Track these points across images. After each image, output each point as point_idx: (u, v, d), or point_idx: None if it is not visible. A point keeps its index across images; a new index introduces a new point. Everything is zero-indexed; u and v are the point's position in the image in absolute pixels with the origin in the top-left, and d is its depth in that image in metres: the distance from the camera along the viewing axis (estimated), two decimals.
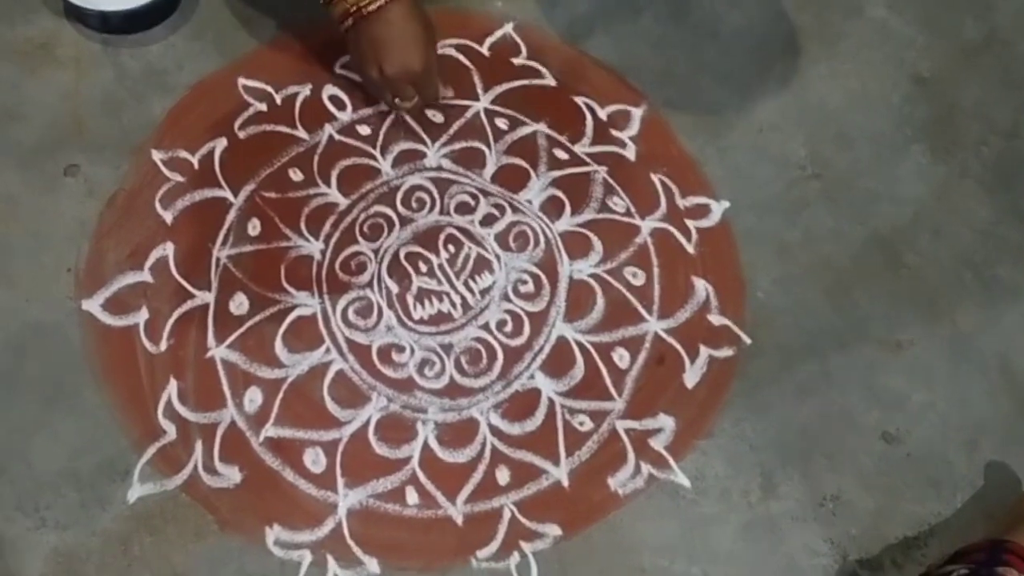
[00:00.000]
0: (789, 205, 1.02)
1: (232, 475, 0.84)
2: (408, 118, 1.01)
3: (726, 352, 0.94)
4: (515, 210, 0.99)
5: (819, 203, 1.03)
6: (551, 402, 0.90)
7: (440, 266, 0.95)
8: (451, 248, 0.96)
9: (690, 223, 1.00)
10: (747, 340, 0.94)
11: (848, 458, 0.90)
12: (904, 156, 1.06)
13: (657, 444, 0.89)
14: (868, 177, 1.04)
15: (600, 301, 0.95)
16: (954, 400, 0.93)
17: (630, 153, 1.04)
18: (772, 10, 1.15)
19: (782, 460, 0.89)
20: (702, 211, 1.01)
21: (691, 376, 0.92)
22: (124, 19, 1.01)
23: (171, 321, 0.89)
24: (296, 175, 0.97)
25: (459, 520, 0.84)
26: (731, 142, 1.06)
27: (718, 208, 1.01)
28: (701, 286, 0.97)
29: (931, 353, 0.95)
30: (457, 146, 1.02)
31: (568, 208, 1.00)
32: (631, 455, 0.88)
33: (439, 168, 1.00)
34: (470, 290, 0.94)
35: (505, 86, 1.06)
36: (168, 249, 0.92)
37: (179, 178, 0.96)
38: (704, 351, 0.93)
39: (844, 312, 0.97)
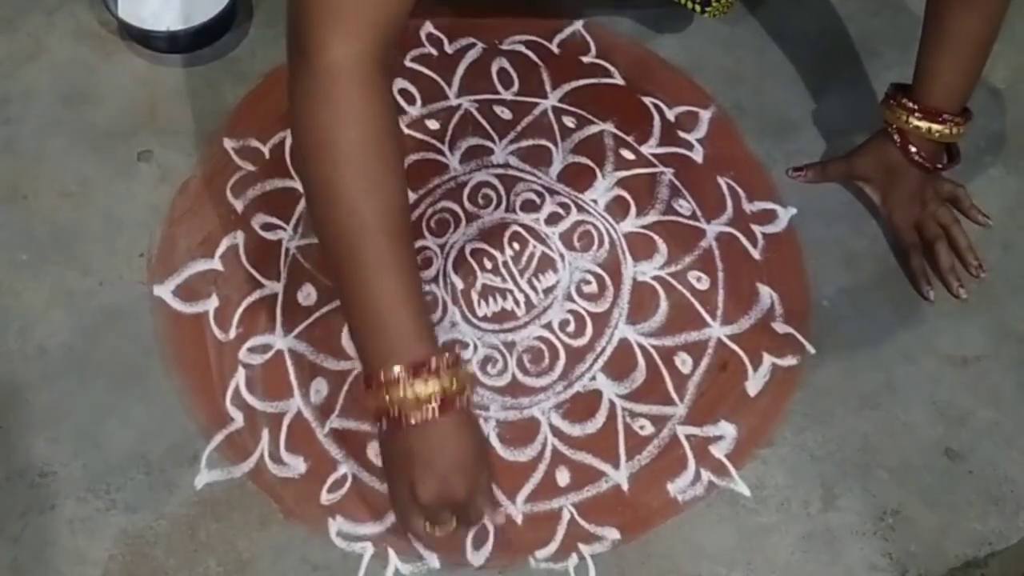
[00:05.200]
0: (857, 213, 1.01)
1: (297, 465, 0.85)
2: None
3: (790, 361, 0.93)
4: (580, 209, 0.99)
5: None
6: (612, 404, 0.90)
7: (504, 263, 0.95)
8: (516, 246, 0.96)
9: (756, 228, 1.00)
10: (811, 349, 0.94)
11: (910, 473, 0.89)
12: (975, 168, 1.04)
13: (718, 451, 0.89)
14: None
15: (663, 304, 0.95)
16: (1019, 418, 0.92)
17: (697, 155, 1.03)
18: (843, 13, 1.14)
19: (843, 472, 0.88)
20: (769, 216, 1.01)
21: (754, 384, 0.92)
22: (191, 37, 1.02)
23: (240, 309, 0.90)
24: None
25: (518, 519, 0.85)
26: (799, 146, 1.05)
27: (785, 214, 1.01)
28: (766, 293, 0.96)
29: (998, 370, 0.94)
30: (524, 143, 1.02)
31: (633, 209, 0.99)
32: (691, 461, 0.88)
33: (506, 165, 1.00)
34: (534, 288, 0.95)
35: (573, 84, 1.06)
36: (239, 238, 0.93)
37: (250, 167, 0.97)
38: (767, 359, 0.93)
39: (910, 325, 0.96)
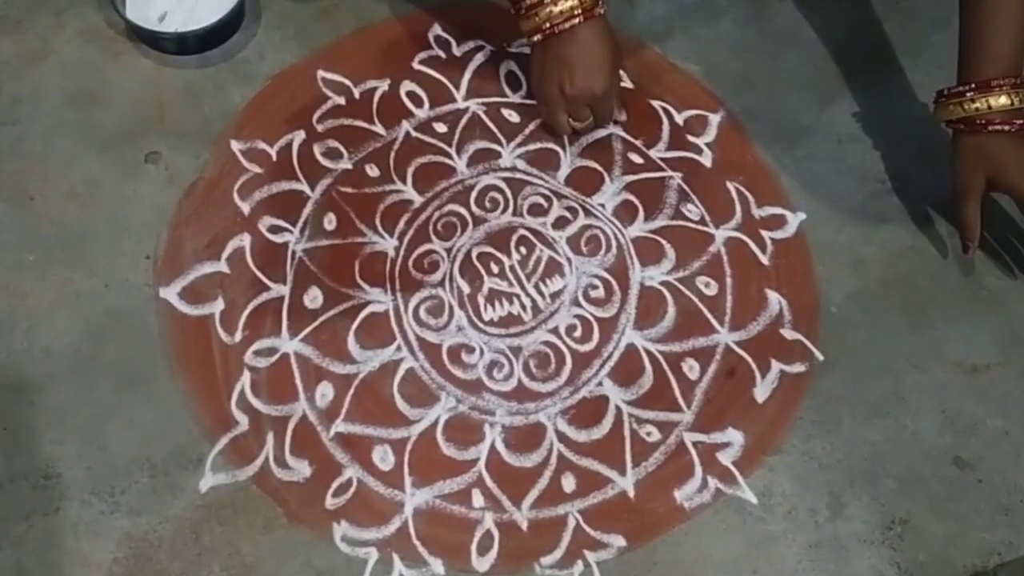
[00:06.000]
0: (867, 219, 1.01)
1: (302, 469, 0.85)
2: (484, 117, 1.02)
3: (798, 367, 0.93)
4: (588, 213, 0.98)
5: (898, 219, 1.01)
6: (618, 410, 0.89)
7: (511, 268, 0.95)
8: (523, 250, 0.96)
9: (765, 234, 0.99)
10: (820, 356, 0.93)
11: (918, 482, 0.88)
12: None
13: (725, 459, 0.88)
14: (949, 195, 1.02)
15: (671, 310, 0.94)
16: None
17: (706, 160, 1.02)
18: (855, 18, 1.13)
19: (851, 480, 0.88)
20: (778, 222, 1.00)
21: (762, 390, 0.91)
22: (199, 39, 1.02)
23: (246, 312, 0.90)
24: (372, 171, 0.98)
25: (524, 525, 0.84)
26: (809, 152, 1.04)
27: (794, 219, 1.00)
28: (774, 299, 0.96)
29: (1007, 379, 0.94)
30: (532, 147, 1.01)
31: (641, 213, 0.99)
32: (698, 469, 0.87)
33: (513, 168, 1.00)
34: (540, 293, 0.94)
35: None
36: (245, 240, 0.93)
37: (257, 169, 0.97)
38: (776, 365, 0.92)
39: (920, 332, 0.95)
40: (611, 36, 0.94)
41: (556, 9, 0.90)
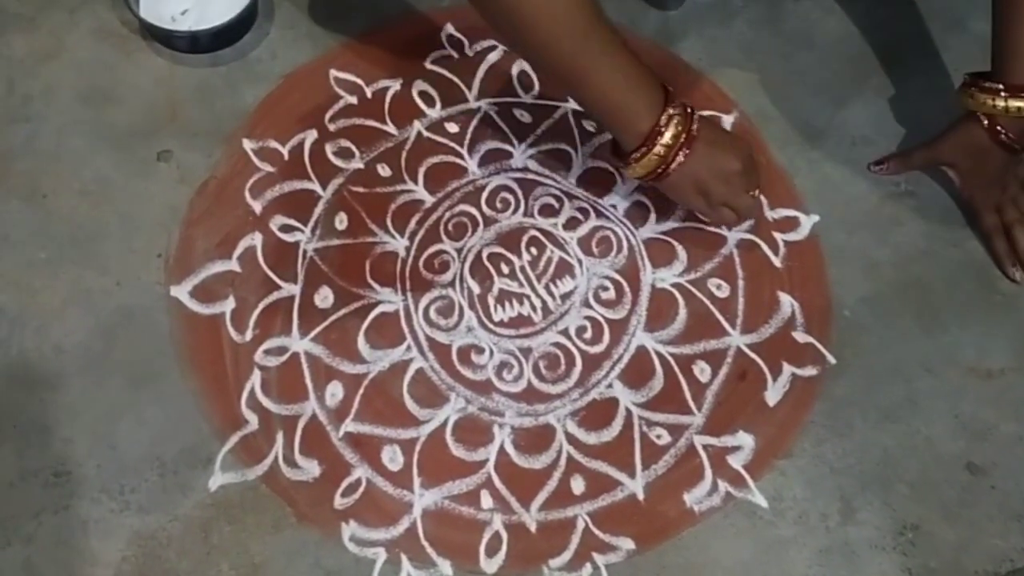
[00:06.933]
0: (880, 222, 1.00)
1: (311, 468, 0.85)
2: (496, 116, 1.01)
3: (810, 371, 0.92)
4: (599, 215, 0.98)
5: (912, 222, 1.00)
6: (629, 413, 0.89)
7: (522, 268, 0.95)
8: (533, 251, 0.96)
9: (778, 236, 0.98)
10: (832, 360, 0.93)
11: (931, 487, 0.88)
12: None
13: (735, 462, 0.88)
14: (963, 198, 1.01)
15: (682, 312, 0.94)
16: None
17: None
18: (870, 20, 1.12)
19: (862, 485, 0.87)
20: (791, 224, 0.99)
21: (773, 394, 0.91)
22: (212, 37, 1.02)
23: (257, 311, 0.90)
24: (384, 171, 0.98)
25: (532, 527, 0.84)
26: (823, 154, 1.04)
27: (807, 222, 0.99)
28: (787, 301, 0.95)
29: (1022, 384, 0.93)
30: (544, 147, 1.01)
31: (653, 215, 0.98)
32: (708, 472, 0.87)
33: (524, 169, 1.00)
34: (551, 294, 0.94)
35: None
36: (256, 239, 0.93)
37: (269, 168, 0.97)
38: (787, 369, 0.92)
39: (933, 336, 0.94)
40: (723, 140, 0.89)
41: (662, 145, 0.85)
